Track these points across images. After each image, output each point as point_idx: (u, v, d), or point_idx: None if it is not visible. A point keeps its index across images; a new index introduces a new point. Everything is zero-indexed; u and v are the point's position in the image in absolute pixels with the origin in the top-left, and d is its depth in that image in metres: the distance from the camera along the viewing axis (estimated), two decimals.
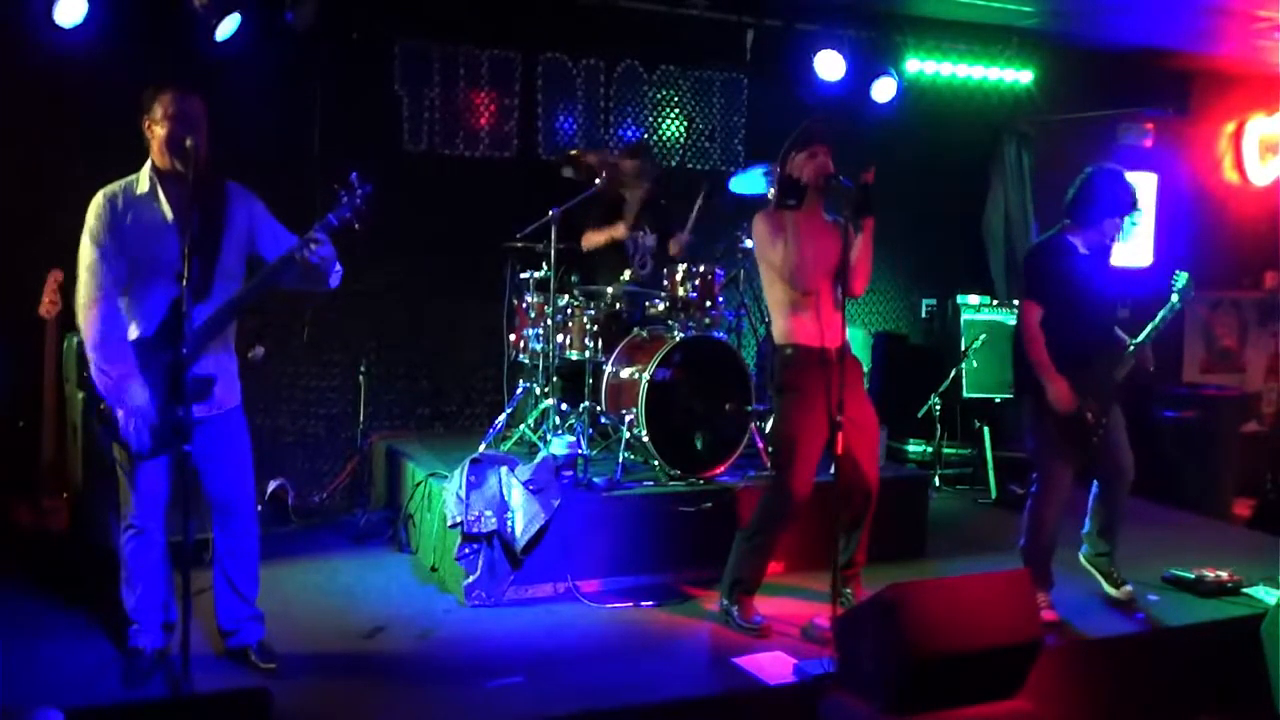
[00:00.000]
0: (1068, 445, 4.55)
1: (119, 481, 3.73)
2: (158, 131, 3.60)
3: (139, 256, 3.59)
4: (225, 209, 3.70)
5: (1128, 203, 4.61)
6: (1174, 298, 4.78)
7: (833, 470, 4.20)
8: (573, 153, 6.25)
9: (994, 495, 6.72)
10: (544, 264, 5.54)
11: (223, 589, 3.89)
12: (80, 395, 4.86)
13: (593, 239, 5.91)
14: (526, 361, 5.75)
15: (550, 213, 5.41)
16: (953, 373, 6.81)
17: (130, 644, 3.78)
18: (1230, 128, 8.79)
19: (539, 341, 5.59)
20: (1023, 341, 4.55)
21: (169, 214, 3.61)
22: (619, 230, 5.85)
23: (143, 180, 3.66)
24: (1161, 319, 4.75)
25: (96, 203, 3.62)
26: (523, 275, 5.78)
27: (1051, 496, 4.60)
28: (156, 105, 3.60)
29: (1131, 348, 4.70)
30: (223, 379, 3.72)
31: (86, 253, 3.58)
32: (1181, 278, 4.80)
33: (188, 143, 3.49)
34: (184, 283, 3.28)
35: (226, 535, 3.86)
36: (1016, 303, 4.85)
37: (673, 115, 6.98)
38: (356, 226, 3.67)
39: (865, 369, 7.03)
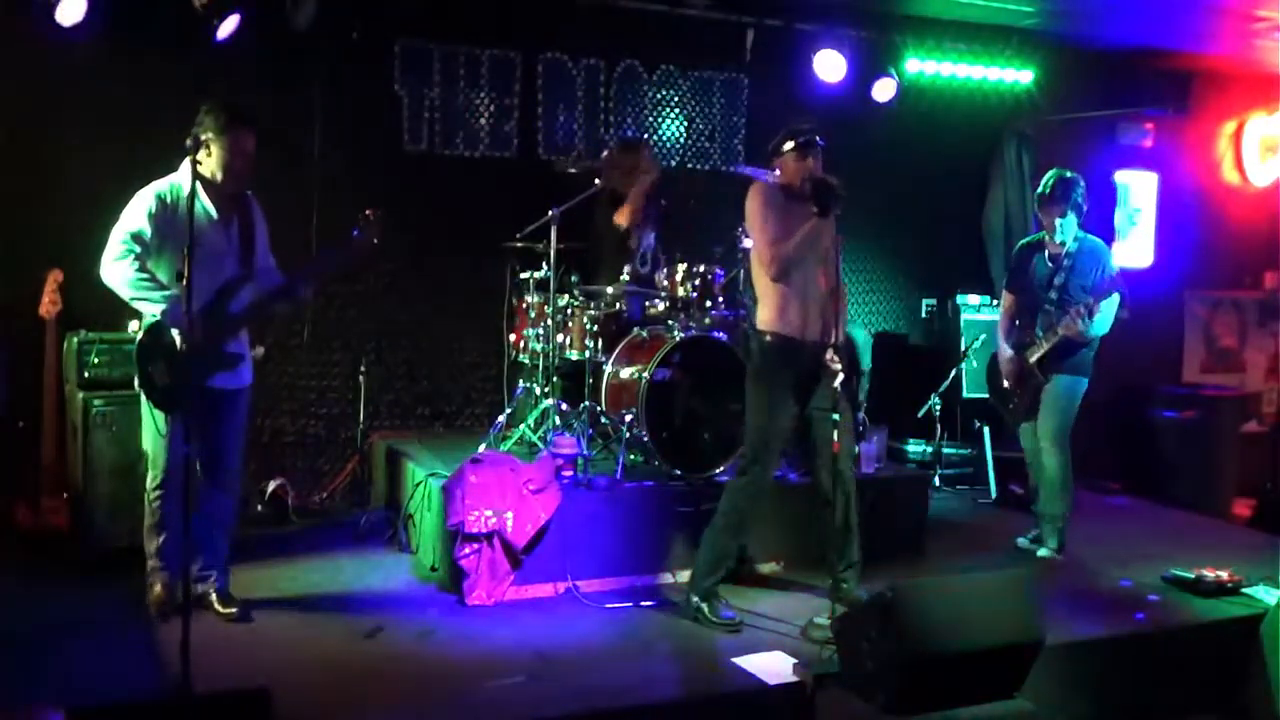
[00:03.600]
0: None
1: (150, 448, 4.22)
2: (219, 154, 4.08)
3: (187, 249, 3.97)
4: (252, 215, 4.31)
5: (1039, 199, 5.38)
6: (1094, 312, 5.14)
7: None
8: (573, 155, 6.24)
9: (994, 495, 6.72)
10: (544, 264, 5.53)
11: (204, 538, 4.25)
12: (80, 395, 4.88)
13: (625, 215, 5.84)
14: (526, 361, 5.75)
15: (550, 213, 5.41)
16: (953, 373, 6.81)
17: (149, 580, 4.29)
18: (1230, 128, 8.79)
19: (539, 341, 5.58)
20: None
21: (214, 213, 4.15)
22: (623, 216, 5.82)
23: (185, 183, 3.96)
24: (1062, 327, 5.19)
25: (146, 197, 4.07)
26: (523, 275, 5.77)
27: None
28: (228, 135, 4.07)
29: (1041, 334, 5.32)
30: (246, 360, 4.33)
31: (124, 228, 4.04)
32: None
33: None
34: (184, 276, 3.57)
35: (219, 492, 4.33)
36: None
37: (673, 115, 6.99)
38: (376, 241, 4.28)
39: (865, 367, 7.07)
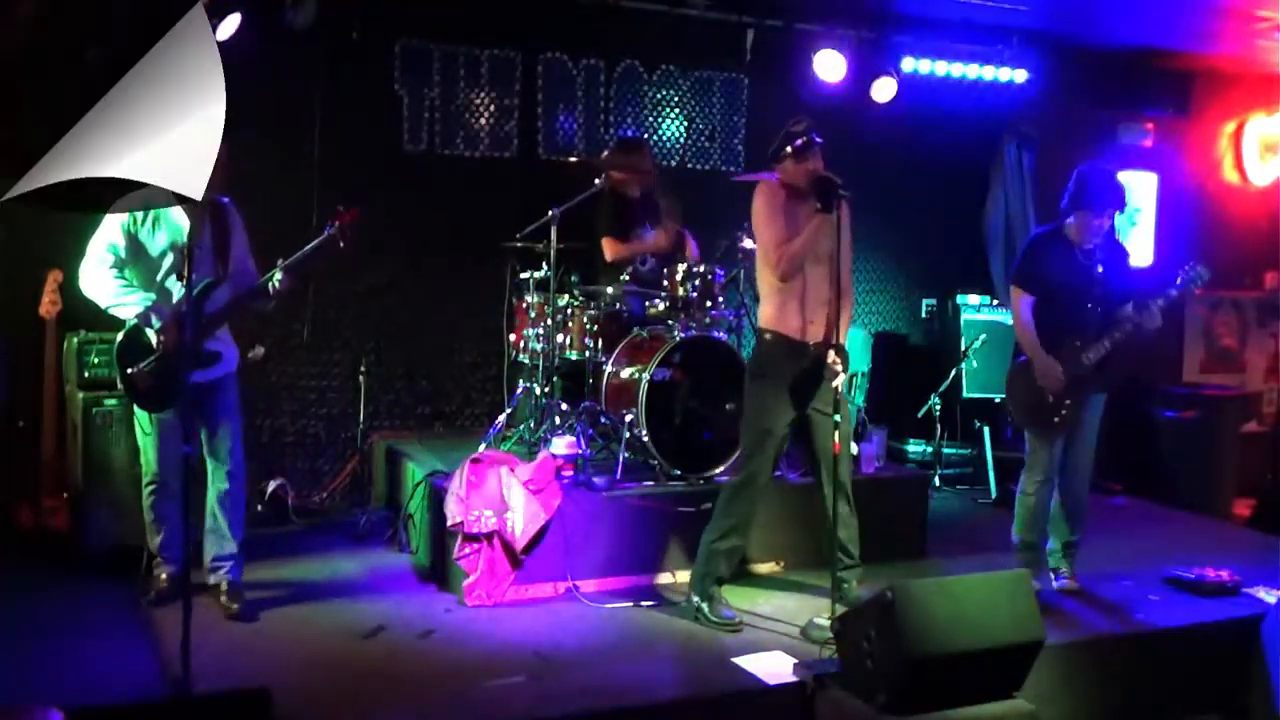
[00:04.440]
0: (1029, 422, 4.89)
1: (140, 446, 4.38)
2: None
3: (161, 257, 4.26)
4: (228, 221, 4.43)
5: (1094, 200, 4.73)
6: (1178, 281, 4.73)
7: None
8: (572, 159, 6.24)
9: (994, 495, 6.72)
10: (544, 264, 5.53)
11: (213, 530, 4.43)
12: (80, 395, 4.88)
13: (619, 250, 5.79)
14: (526, 361, 5.75)
15: (550, 213, 5.41)
16: (953, 373, 6.81)
17: (154, 573, 4.43)
18: (1230, 128, 8.78)
19: (539, 341, 5.58)
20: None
21: (184, 223, 4.24)
22: (661, 241, 5.77)
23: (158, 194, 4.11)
24: (1139, 323, 4.72)
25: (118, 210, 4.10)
26: (523, 275, 5.77)
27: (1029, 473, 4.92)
28: None
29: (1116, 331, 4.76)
30: (225, 347, 4.43)
31: (100, 242, 4.18)
32: (1194, 270, 4.73)
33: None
34: (184, 275, 3.85)
35: (223, 481, 4.42)
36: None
37: (673, 115, 6.99)
38: (342, 245, 4.38)
39: (865, 368, 7.08)
